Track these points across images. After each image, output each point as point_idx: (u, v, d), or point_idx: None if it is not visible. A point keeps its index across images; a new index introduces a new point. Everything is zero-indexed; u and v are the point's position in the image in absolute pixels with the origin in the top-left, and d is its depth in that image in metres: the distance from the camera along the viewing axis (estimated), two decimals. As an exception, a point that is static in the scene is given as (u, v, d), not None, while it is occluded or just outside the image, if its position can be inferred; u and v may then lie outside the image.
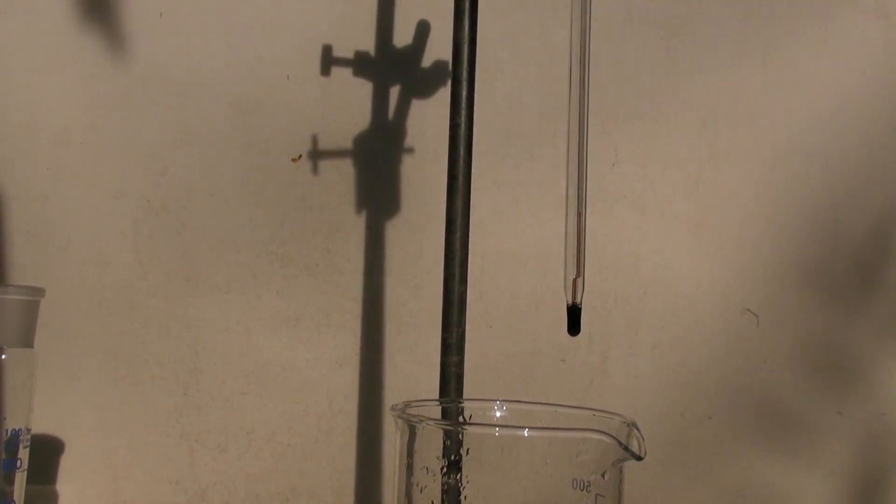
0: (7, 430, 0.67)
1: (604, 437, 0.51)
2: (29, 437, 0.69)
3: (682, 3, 1.01)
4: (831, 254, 1.02)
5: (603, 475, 0.53)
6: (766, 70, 1.02)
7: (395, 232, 0.96)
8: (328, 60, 0.95)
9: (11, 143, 0.91)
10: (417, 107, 0.96)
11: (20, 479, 0.69)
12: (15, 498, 0.68)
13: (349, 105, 0.96)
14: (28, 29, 0.92)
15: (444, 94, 0.94)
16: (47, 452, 0.91)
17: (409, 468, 0.55)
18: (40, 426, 0.87)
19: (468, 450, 0.53)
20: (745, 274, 1.01)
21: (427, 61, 0.95)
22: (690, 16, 1.01)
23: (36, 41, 0.92)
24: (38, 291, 0.71)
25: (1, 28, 0.91)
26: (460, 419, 0.63)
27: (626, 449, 0.52)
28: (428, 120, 0.96)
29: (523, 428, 0.53)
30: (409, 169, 0.96)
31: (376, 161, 0.96)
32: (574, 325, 0.61)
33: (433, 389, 0.75)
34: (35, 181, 0.91)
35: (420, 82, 0.96)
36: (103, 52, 0.93)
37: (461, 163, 0.74)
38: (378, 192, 0.96)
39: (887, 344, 1.03)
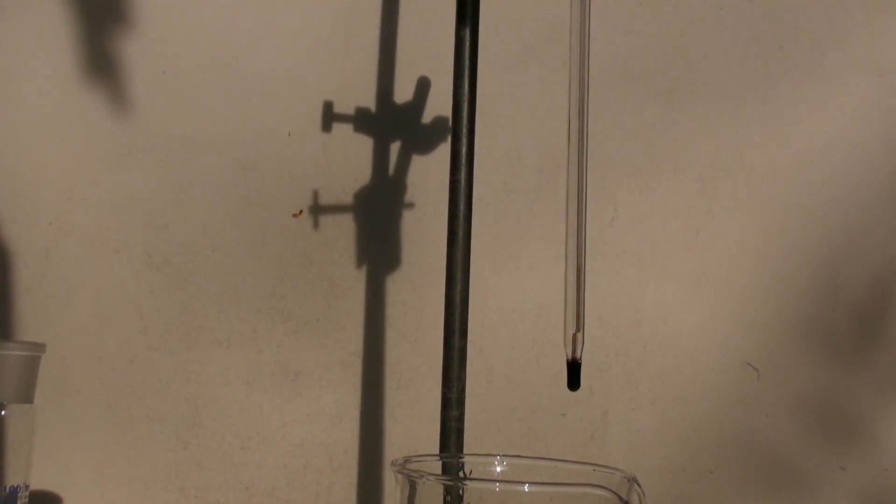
0: (5, 487, 0.67)
1: (604, 493, 0.51)
2: (27, 493, 0.69)
3: (679, 59, 1.02)
4: (831, 307, 1.03)
5: (604, 531, 0.52)
6: (764, 125, 1.03)
7: (396, 287, 0.97)
8: (329, 116, 0.96)
9: (14, 200, 0.91)
10: (418, 162, 0.97)
11: (18, 535, 0.68)
12: (13, 555, 0.68)
13: (350, 161, 0.96)
14: (32, 86, 0.93)
15: (444, 149, 0.94)
16: (46, 509, 0.91)
17: (410, 524, 0.55)
18: (39, 482, 0.87)
19: (468, 505, 0.53)
20: (745, 328, 1.01)
21: (427, 117, 0.96)
22: (688, 72, 1.02)
23: (39, 98, 0.93)
24: (39, 347, 0.71)
25: (5, 85, 0.92)
26: (461, 474, 0.63)
27: (627, 504, 0.52)
28: (428, 175, 0.97)
29: (524, 483, 0.53)
30: (410, 224, 0.97)
31: (377, 216, 0.97)
32: (574, 381, 0.61)
33: (433, 444, 0.75)
34: (37, 237, 0.92)
35: (420, 138, 0.97)
36: (106, 109, 0.93)
37: (461, 218, 0.75)
38: (378, 247, 0.97)
39: (889, 398, 1.03)
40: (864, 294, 1.03)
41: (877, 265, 1.04)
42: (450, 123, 0.77)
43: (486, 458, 0.63)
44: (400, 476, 0.55)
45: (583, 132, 0.62)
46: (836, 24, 1.04)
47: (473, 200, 0.75)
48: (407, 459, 0.58)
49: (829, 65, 1.04)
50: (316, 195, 0.96)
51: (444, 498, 0.55)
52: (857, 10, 1.04)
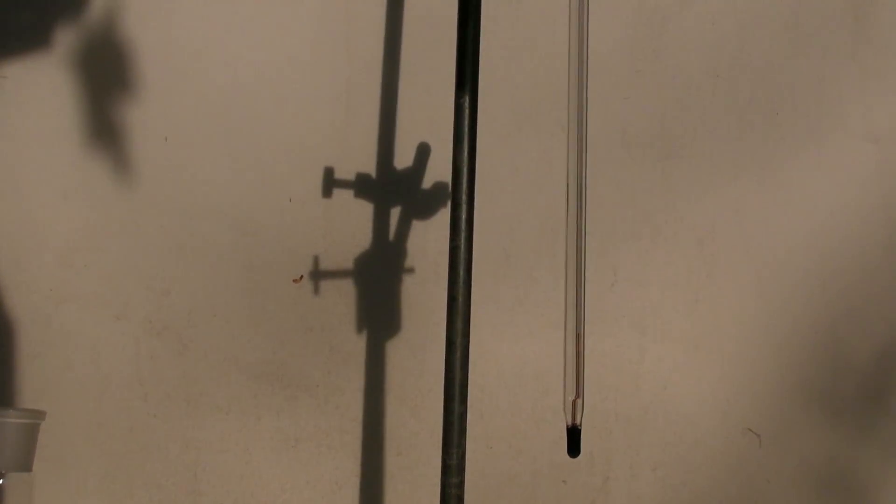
0: (3, 555, 0.66)
1: (606, 561, 0.51)
2: (25, 562, 0.68)
3: (677, 125, 1.03)
4: (832, 372, 1.02)
5: None
6: (762, 191, 1.03)
7: (396, 352, 0.97)
8: (330, 182, 0.97)
9: (16, 267, 0.92)
10: (418, 227, 0.97)
11: None
12: None
13: (350, 226, 0.97)
14: (35, 153, 0.93)
15: (444, 214, 0.95)
16: (43, 577, 0.90)
17: (410, 593, 0.55)
18: (36, 550, 0.86)
19: (469, 574, 0.53)
20: (745, 393, 1.01)
21: (427, 183, 0.97)
22: (686, 138, 1.03)
23: (42, 165, 0.93)
24: (39, 414, 0.71)
25: (8, 152, 0.93)
26: (461, 542, 0.62)
27: (629, 572, 0.51)
28: (428, 240, 0.97)
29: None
30: (410, 289, 0.97)
31: (377, 281, 0.97)
32: (574, 447, 0.61)
33: (434, 511, 0.74)
34: (38, 304, 0.92)
35: (420, 203, 0.97)
36: (108, 175, 0.94)
37: (461, 283, 0.75)
38: (378, 313, 0.97)
39: (893, 464, 1.02)
40: (864, 358, 1.03)
41: (876, 329, 1.04)
42: (449, 189, 0.78)
43: (487, 526, 0.62)
44: (400, 544, 0.55)
45: (582, 197, 0.63)
46: (832, 92, 1.05)
47: (473, 266, 0.76)
48: (407, 527, 0.57)
49: (825, 131, 1.04)
50: (316, 261, 0.96)
51: (445, 566, 0.54)
52: (853, 78, 1.05)
